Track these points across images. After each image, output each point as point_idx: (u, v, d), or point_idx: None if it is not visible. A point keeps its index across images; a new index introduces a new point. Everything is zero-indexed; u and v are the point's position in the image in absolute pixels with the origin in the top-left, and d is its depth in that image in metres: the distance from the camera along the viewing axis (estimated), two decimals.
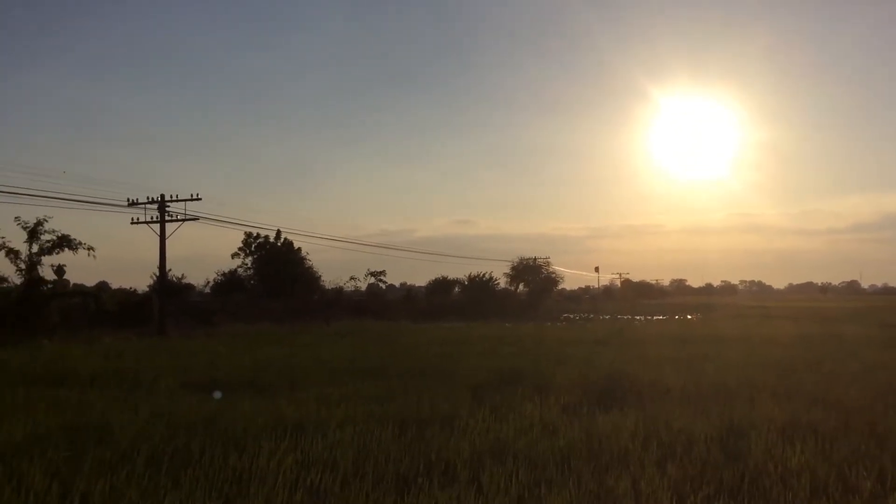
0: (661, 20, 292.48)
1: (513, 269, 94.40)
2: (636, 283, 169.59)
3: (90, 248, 41.64)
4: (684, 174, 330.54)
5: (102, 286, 67.92)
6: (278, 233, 65.28)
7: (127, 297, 52.89)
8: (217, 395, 10.16)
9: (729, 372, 16.93)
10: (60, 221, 64.69)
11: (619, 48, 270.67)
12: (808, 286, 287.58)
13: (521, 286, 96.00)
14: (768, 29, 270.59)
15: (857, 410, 11.66)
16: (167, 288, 47.63)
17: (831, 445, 9.13)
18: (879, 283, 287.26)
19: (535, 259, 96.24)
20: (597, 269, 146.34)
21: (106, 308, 44.39)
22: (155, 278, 50.19)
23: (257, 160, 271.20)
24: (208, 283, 67.96)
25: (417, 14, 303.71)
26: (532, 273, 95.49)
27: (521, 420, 10.83)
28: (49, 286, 42.10)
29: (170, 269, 50.43)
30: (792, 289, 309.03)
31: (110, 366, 19.33)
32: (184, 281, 63.73)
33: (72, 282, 58.55)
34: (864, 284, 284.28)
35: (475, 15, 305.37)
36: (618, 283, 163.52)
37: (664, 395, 13.33)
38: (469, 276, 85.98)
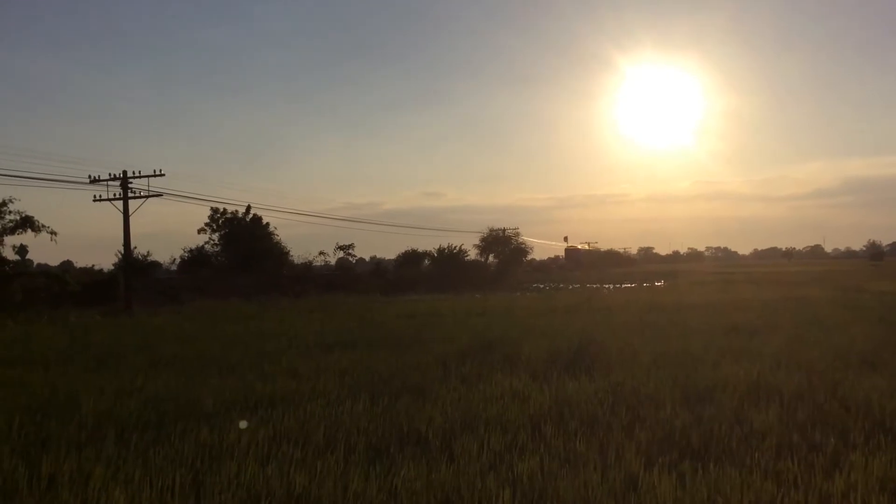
0: None
1: (482, 240, 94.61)
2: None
3: (53, 233, 41.00)
4: (650, 143, 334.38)
5: (66, 265, 66.97)
6: (248, 208, 64.58)
7: (91, 276, 52.14)
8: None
9: (695, 337, 17.18)
10: (22, 200, 63.43)
11: (586, 18, 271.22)
12: (773, 251, 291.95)
13: (490, 257, 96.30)
14: None
15: (820, 372, 11.91)
16: (132, 265, 47.01)
17: (795, 406, 9.32)
18: (842, 248, 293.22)
19: (504, 230, 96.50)
20: (566, 239, 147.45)
21: (70, 287, 43.65)
22: (120, 256, 49.51)
23: (222, 135, 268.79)
24: (174, 260, 67.19)
25: None
26: (501, 244, 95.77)
27: (491, 389, 10.91)
28: (11, 266, 41.36)
29: (135, 247, 49.82)
30: (757, 254, 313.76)
31: (76, 344, 19.11)
32: (149, 258, 62.93)
33: (35, 262, 57.67)
34: (828, 249, 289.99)
35: None
36: (587, 250, 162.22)
37: (632, 361, 13.49)
38: (438, 248, 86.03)
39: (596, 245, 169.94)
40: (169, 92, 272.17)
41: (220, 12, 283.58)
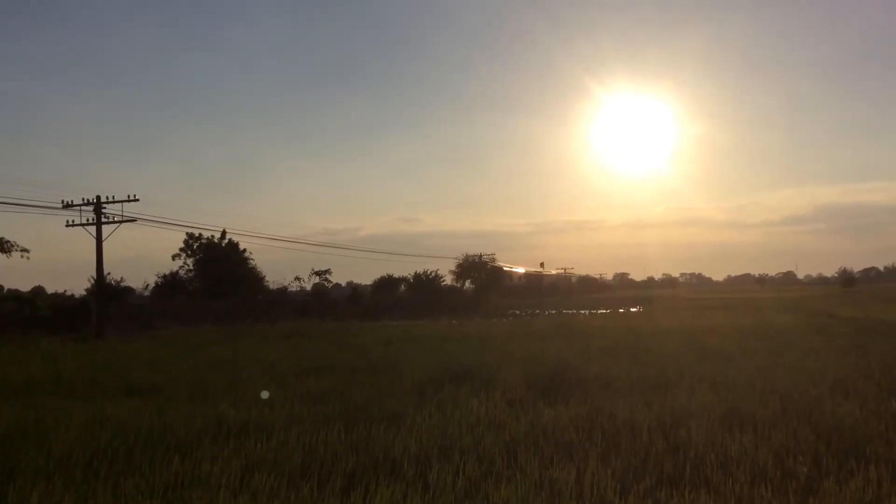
0: (603, 19, 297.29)
1: (458, 266, 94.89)
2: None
3: (24, 250, 40.46)
4: (625, 170, 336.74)
5: (38, 290, 66.05)
6: (223, 233, 64.31)
7: (63, 302, 51.44)
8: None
9: (670, 363, 17.23)
10: None
11: (562, 46, 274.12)
12: (746, 278, 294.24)
13: (467, 283, 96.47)
14: (704, 29, 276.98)
15: (793, 398, 11.98)
16: (105, 291, 46.47)
17: (769, 433, 9.36)
18: (814, 274, 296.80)
19: (480, 256, 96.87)
20: (542, 265, 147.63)
21: (41, 313, 43.02)
22: (92, 282, 48.93)
23: (197, 160, 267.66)
24: (148, 285, 66.62)
25: (360, 9, 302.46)
26: (478, 269, 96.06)
27: (467, 416, 10.85)
28: None
29: (108, 273, 49.37)
30: (730, 280, 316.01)
31: (47, 371, 18.77)
32: (123, 284, 62.39)
33: (6, 287, 56.82)
34: (800, 275, 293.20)
35: (419, 12, 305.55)
36: (570, 277, 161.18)
37: (608, 387, 13.50)
38: (415, 273, 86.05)
39: (572, 271, 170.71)
40: (143, 116, 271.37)
41: (196, 37, 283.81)
